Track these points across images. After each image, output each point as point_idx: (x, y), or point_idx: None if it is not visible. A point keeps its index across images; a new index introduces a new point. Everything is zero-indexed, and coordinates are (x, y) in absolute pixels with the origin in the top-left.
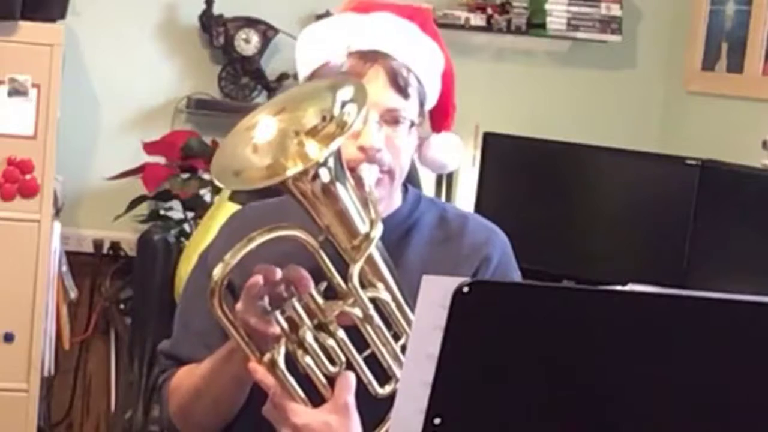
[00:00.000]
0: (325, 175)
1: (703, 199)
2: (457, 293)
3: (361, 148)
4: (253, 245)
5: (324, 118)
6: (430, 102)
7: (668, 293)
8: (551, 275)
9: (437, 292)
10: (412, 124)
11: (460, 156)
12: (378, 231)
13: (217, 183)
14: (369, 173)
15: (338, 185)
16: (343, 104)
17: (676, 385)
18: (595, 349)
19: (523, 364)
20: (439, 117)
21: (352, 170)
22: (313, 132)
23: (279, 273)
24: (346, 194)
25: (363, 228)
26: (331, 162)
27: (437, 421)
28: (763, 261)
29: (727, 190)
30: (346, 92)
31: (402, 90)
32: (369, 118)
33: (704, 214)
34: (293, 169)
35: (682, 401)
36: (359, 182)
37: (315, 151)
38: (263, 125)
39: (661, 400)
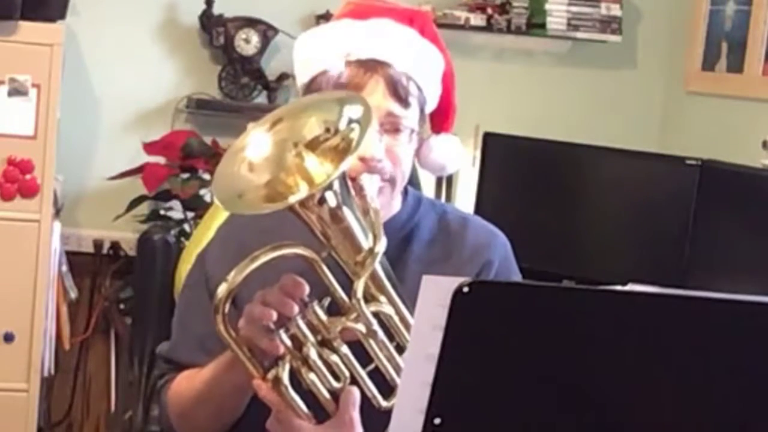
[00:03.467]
0: (331, 199)
1: (703, 199)
2: (457, 293)
3: (362, 159)
4: (257, 264)
5: (328, 130)
6: (430, 106)
7: (668, 293)
8: (551, 275)
9: (437, 292)
10: (412, 131)
11: (460, 157)
12: (382, 246)
13: (223, 208)
14: (370, 183)
15: (344, 207)
16: (350, 121)
17: (676, 385)
18: (594, 349)
19: (523, 364)
20: (439, 118)
21: (353, 179)
22: (314, 144)
23: (296, 309)
24: (351, 213)
25: (366, 243)
26: (336, 185)
27: (437, 421)
28: (763, 261)
29: (727, 190)
30: (354, 110)
31: (402, 99)
32: (370, 129)
33: (704, 214)
34: (297, 195)
35: (683, 401)
36: (360, 192)
37: (317, 168)
38: (259, 139)
39: (661, 399)
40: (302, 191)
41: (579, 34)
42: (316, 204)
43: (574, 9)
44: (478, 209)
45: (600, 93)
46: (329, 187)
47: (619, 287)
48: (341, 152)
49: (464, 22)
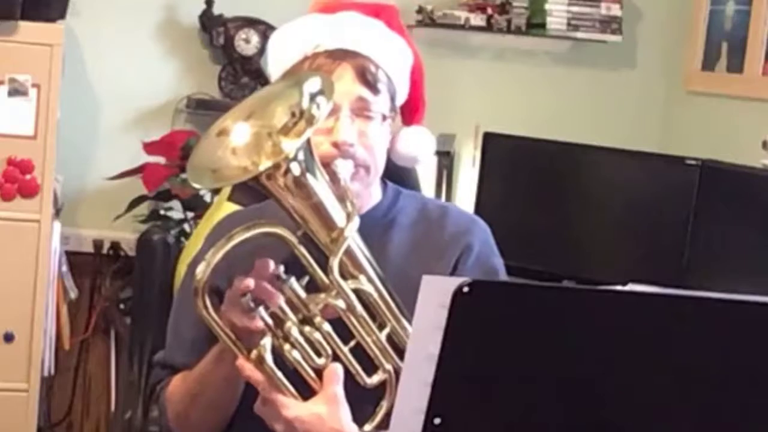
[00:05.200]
0: (296, 169)
1: (703, 199)
2: (457, 293)
3: (335, 144)
4: (233, 243)
5: (293, 114)
6: (401, 97)
7: (668, 293)
8: (551, 275)
9: (437, 292)
10: (384, 117)
11: (431, 149)
12: (354, 224)
13: (193, 183)
14: (344, 168)
15: (311, 179)
16: (312, 97)
17: (675, 385)
18: (594, 348)
19: (523, 364)
20: (410, 111)
21: (327, 166)
22: (285, 130)
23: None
24: (321, 188)
25: (340, 222)
26: (301, 155)
27: (437, 421)
28: (763, 261)
29: (727, 190)
30: (312, 85)
31: (371, 85)
32: (341, 114)
33: (704, 214)
34: (265, 164)
35: (682, 401)
36: (335, 177)
37: (288, 146)
38: (235, 131)
39: (661, 399)
40: (269, 162)
41: (579, 34)
42: (282, 174)
43: (574, 9)
44: (478, 209)
45: (600, 93)
46: (294, 158)
47: (619, 287)
48: (308, 129)
49: (464, 22)
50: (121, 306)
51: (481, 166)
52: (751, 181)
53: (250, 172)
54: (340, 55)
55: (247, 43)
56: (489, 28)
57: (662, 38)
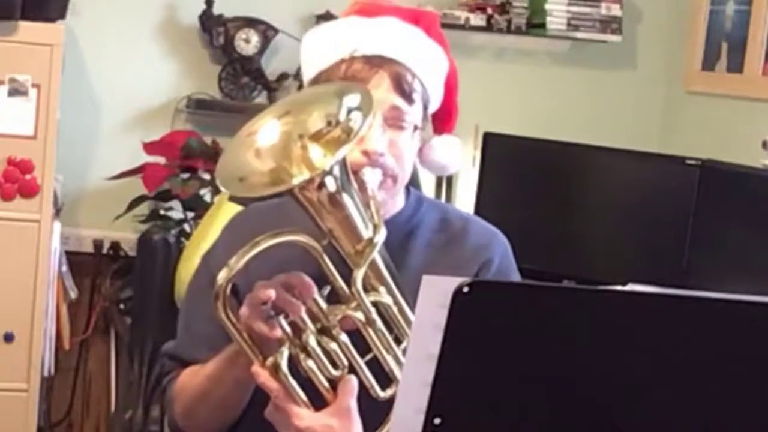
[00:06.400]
0: (330, 184)
1: (703, 199)
2: (457, 293)
3: (365, 153)
4: (257, 250)
5: (329, 123)
6: (434, 106)
7: (668, 293)
8: (551, 275)
9: (437, 292)
10: (416, 128)
11: (460, 158)
12: (381, 236)
13: (223, 189)
14: (372, 177)
15: (344, 194)
16: (350, 111)
17: (676, 385)
18: (594, 349)
19: (523, 364)
20: (442, 120)
21: (355, 173)
22: (317, 136)
23: (303, 309)
24: (351, 201)
25: (366, 233)
26: (336, 170)
27: (437, 421)
28: (762, 261)
29: (727, 190)
30: (352, 99)
31: (406, 95)
32: (373, 123)
33: (704, 214)
34: (298, 177)
35: (683, 401)
36: (362, 186)
37: (319, 157)
38: (267, 128)
39: (661, 399)
40: (304, 175)
41: (579, 34)
42: (316, 188)
43: (574, 9)
44: (478, 209)
45: (600, 93)
46: (330, 172)
47: (619, 287)
48: (343, 142)
49: (464, 22)
50: (121, 306)
51: (481, 166)
52: (751, 181)
53: (283, 185)
54: (377, 62)
55: (247, 43)
56: (489, 28)
57: (662, 38)
